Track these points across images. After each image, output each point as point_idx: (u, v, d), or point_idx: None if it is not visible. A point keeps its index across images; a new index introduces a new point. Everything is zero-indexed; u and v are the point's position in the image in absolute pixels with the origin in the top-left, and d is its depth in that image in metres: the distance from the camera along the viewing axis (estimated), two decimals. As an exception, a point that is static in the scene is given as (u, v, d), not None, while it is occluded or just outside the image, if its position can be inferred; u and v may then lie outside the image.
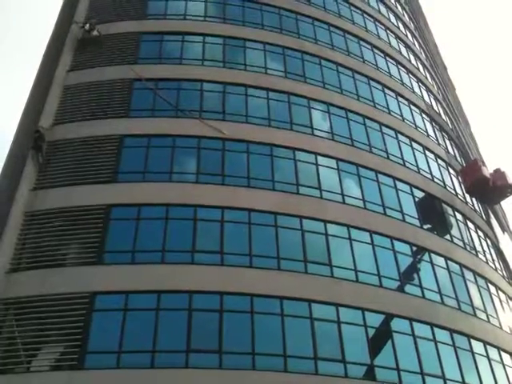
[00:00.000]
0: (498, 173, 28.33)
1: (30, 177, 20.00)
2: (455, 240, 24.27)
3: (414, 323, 19.14)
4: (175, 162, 21.00)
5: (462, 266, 23.12)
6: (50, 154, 20.74)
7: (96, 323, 16.43)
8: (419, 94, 30.65)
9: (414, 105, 29.06)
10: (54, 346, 16.40)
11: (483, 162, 31.20)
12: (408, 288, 20.59)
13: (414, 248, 21.90)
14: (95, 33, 24.84)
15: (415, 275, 21.11)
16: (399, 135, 26.16)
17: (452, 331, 19.96)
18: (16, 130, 23.27)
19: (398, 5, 36.92)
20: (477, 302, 22.44)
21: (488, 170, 28.53)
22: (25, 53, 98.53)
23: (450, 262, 22.68)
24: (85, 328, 16.17)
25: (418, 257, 21.89)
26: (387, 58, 30.12)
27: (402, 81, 29.71)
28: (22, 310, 16.62)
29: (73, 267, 17.96)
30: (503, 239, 29.87)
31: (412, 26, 37.77)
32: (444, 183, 26.61)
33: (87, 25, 25.01)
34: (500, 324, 22.85)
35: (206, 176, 20.60)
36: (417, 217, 23.25)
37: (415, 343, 18.64)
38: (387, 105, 27.17)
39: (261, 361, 16.34)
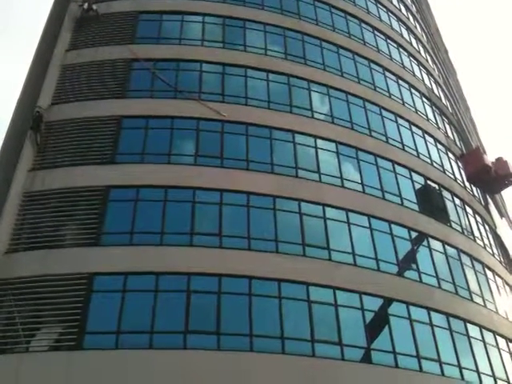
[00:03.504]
0: (500, 162, 28.33)
1: (28, 157, 19.92)
2: (453, 225, 24.32)
3: (410, 307, 19.24)
4: (174, 144, 20.91)
5: (459, 250, 23.20)
6: (48, 135, 20.62)
7: (94, 304, 16.48)
8: (420, 77, 30.48)
9: (415, 88, 28.92)
10: (52, 327, 16.43)
11: (484, 150, 31.15)
12: (405, 272, 20.66)
13: (412, 232, 21.93)
14: (93, 12, 24.58)
15: (413, 260, 21.19)
16: (399, 119, 26.06)
17: (448, 315, 20.09)
18: (14, 110, 23.12)
19: (400, -14, 36.54)
20: (473, 286, 22.55)
21: (489, 158, 28.49)
22: (23, 32, 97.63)
23: (447, 247, 22.75)
24: (83, 309, 16.23)
25: (417, 244, 21.91)
26: (388, 41, 29.89)
27: (402, 64, 29.52)
28: (20, 291, 16.63)
29: (71, 248, 17.96)
30: (501, 224, 29.93)
31: (414, 9, 37.42)
32: (443, 168, 26.58)
33: (85, 4, 24.74)
34: (496, 308, 23.01)
35: (204, 158, 20.53)
36: (415, 201, 23.26)
37: (412, 327, 18.76)
38: (387, 88, 27.03)
39: (258, 342, 16.44)
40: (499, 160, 28.50)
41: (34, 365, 15.33)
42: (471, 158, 28.17)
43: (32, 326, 16.29)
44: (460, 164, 28.21)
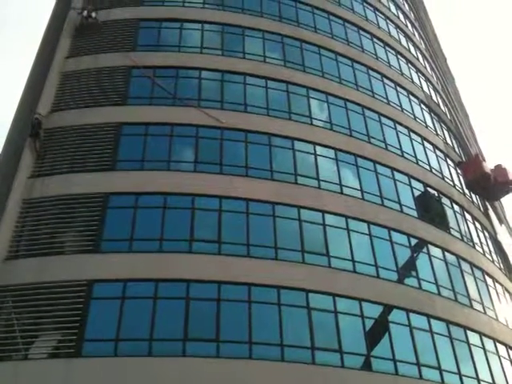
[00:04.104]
0: (499, 169, 28.33)
1: (28, 164, 19.91)
2: (452, 231, 24.32)
3: (410, 314, 19.21)
4: (173, 151, 20.92)
5: (459, 257, 23.18)
6: (47, 142, 20.63)
7: (94, 311, 16.43)
8: (418, 84, 30.57)
9: (413, 95, 29.00)
10: (51, 334, 16.37)
11: (483, 158, 31.16)
12: (405, 279, 20.63)
13: (412, 239, 21.91)
14: (93, 19, 24.65)
15: (413, 267, 21.15)
16: (398, 126, 26.12)
17: (448, 322, 20.06)
18: (13, 117, 23.17)
19: (398, -6, 36.71)
20: (473, 293, 22.51)
21: (488, 165, 28.51)
22: (23, 39, 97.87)
23: (447, 254, 22.75)
24: (82, 316, 16.18)
25: (417, 252, 21.89)
26: (387, 48, 30.01)
27: (401, 71, 29.62)
28: (19, 298, 16.59)
29: (71, 255, 17.94)
30: (501, 231, 29.91)
31: (412, 16, 37.60)
32: (442, 174, 26.61)
33: (85, 11, 24.81)
34: (496, 316, 22.96)
35: (203, 165, 20.54)
36: (414, 208, 23.26)
37: (412, 334, 18.73)
38: (386, 95, 27.10)
39: (258, 350, 16.39)
40: (498, 167, 28.52)
41: (33, 372, 15.28)
42: (470, 165, 28.18)
43: (31, 334, 16.21)
44: (459, 171, 28.23)
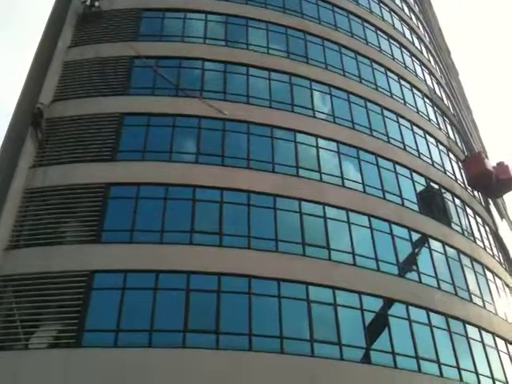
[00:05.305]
0: (502, 166, 28.30)
1: (29, 154, 19.89)
2: (453, 225, 24.34)
3: (410, 307, 19.25)
4: (175, 142, 20.87)
5: (459, 251, 23.21)
6: (49, 131, 20.60)
7: (94, 302, 16.49)
8: (422, 77, 30.47)
9: (417, 88, 28.90)
10: (52, 324, 16.45)
11: (486, 154, 31.06)
12: (405, 273, 20.67)
13: (413, 233, 21.91)
14: (96, 8, 24.56)
15: (413, 261, 21.18)
16: (400, 119, 26.03)
17: (448, 316, 20.10)
18: (15, 107, 23.07)
19: (403, -14, 36.46)
20: (473, 287, 22.56)
21: (491, 162, 28.44)
22: (25, 28, 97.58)
23: (447, 247, 22.77)
24: (83, 306, 16.24)
25: (419, 246, 21.90)
26: (391, 41, 29.85)
27: (404, 64, 29.49)
28: (20, 288, 16.66)
29: (71, 245, 17.97)
30: (501, 226, 29.92)
31: (416, 9, 37.36)
32: (444, 168, 26.57)
33: (88, 0, 24.72)
34: (496, 310, 23.02)
35: (205, 156, 20.50)
36: (416, 202, 23.25)
37: (411, 327, 18.77)
38: (389, 88, 26.99)
39: (257, 342, 16.43)
40: (500, 164, 28.49)
41: (33, 362, 15.32)
42: (473, 163, 28.11)
43: (31, 323, 16.26)
44: (461, 166, 28.18)
